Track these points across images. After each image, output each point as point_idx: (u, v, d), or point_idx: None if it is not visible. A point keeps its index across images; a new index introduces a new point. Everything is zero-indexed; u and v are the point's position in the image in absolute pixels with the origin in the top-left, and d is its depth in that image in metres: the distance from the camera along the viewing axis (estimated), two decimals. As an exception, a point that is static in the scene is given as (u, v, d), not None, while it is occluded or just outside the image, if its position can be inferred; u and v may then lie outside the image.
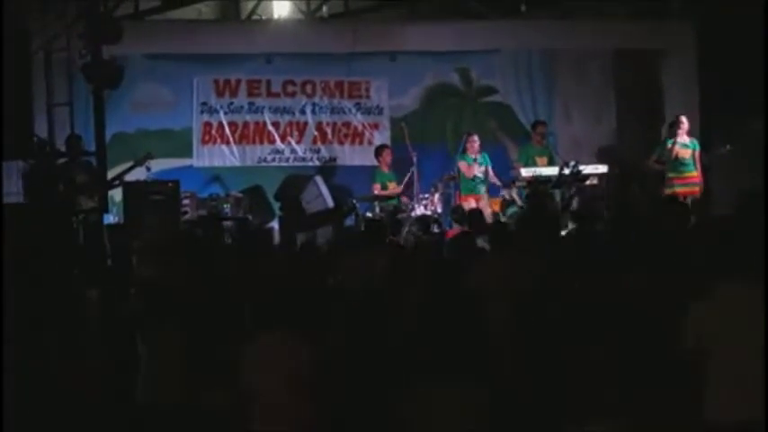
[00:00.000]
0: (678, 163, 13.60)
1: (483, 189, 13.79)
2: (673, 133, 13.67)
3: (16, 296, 6.14)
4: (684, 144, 13.64)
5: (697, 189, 13.60)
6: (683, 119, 13.68)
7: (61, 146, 11.98)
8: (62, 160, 12.10)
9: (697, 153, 13.74)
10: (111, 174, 12.46)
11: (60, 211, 10.41)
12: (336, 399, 5.55)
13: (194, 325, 6.31)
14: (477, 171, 13.73)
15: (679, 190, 13.38)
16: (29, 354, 5.77)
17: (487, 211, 13.13)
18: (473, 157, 13.75)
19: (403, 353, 5.45)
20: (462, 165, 13.77)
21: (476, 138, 13.88)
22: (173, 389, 6.06)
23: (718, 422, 4.95)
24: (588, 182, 13.54)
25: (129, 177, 12.52)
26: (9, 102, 9.52)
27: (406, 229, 12.43)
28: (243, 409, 5.44)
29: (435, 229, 12.77)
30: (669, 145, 13.60)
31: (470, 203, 13.39)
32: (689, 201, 12.96)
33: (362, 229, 11.38)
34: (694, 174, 13.67)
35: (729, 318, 5.00)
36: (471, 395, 4.96)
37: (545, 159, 14.06)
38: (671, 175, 13.64)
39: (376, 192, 13.93)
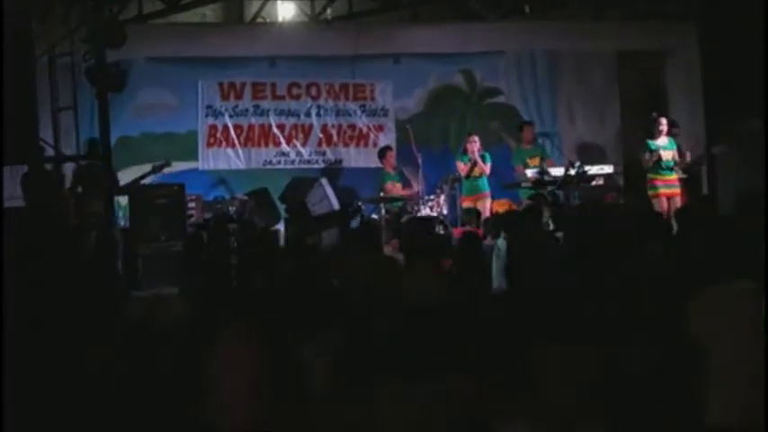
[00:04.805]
0: (662, 164, 13.36)
1: (483, 189, 13.86)
2: (654, 134, 13.39)
3: (17, 299, 6.17)
4: (665, 146, 13.41)
5: (678, 191, 13.40)
6: (663, 120, 13.50)
7: (66, 150, 12.06)
8: (81, 163, 12.22)
9: (676, 153, 13.52)
10: (127, 179, 12.65)
11: (63, 215, 10.47)
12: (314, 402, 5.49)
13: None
14: (475, 171, 13.80)
15: (662, 191, 13.27)
16: (28, 358, 5.80)
17: (486, 212, 13.25)
18: (471, 156, 13.80)
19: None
20: (459, 165, 13.90)
21: (476, 138, 13.96)
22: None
23: (718, 424, 4.93)
24: (593, 182, 13.53)
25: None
26: (14, 106, 9.58)
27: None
28: (213, 411, 5.34)
29: (442, 231, 12.82)
30: (654, 148, 13.29)
31: (468, 204, 13.50)
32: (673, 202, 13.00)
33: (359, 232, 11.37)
34: (674, 176, 13.44)
35: (729, 317, 4.99)
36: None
37: (536, 160, 14.03)
38: (653, 176, 13.38)
39: (398, 192, 13.95)
